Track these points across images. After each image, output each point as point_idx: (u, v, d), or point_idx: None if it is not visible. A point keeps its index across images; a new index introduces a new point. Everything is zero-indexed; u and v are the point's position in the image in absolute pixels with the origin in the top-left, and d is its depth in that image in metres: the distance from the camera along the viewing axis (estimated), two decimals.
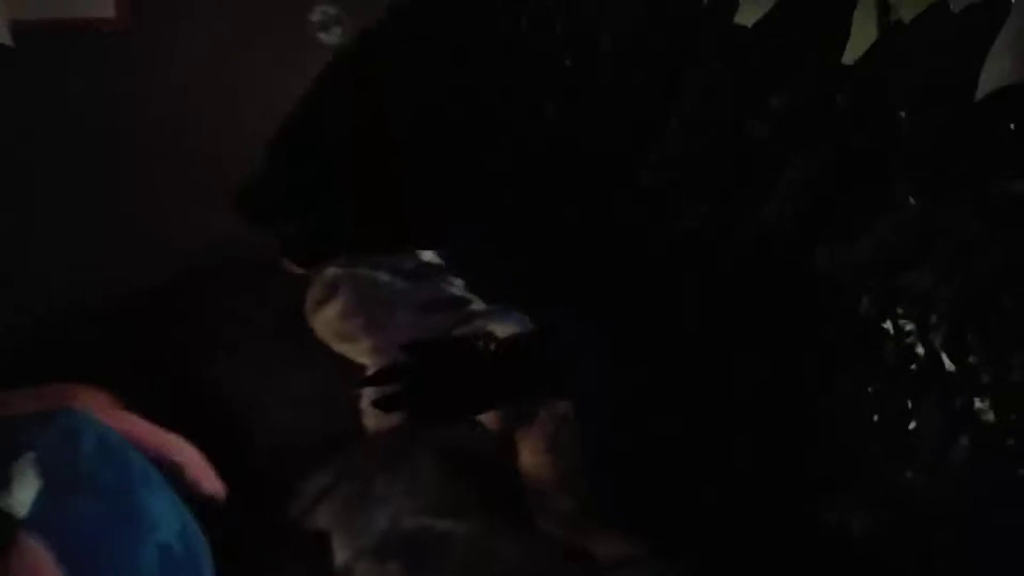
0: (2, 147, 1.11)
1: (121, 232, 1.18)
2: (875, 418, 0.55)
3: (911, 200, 0.56)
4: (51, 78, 1.11)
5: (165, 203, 1.17)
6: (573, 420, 0.76)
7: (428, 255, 1.09)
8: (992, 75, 0.54)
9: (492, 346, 0.87)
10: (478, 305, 1.00)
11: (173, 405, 0.91)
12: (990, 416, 0.53)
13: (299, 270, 1.07)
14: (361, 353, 0.95)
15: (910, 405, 0.55)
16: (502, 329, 0.92)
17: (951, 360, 0.54)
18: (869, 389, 0.55)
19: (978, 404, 0.54)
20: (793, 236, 0.57)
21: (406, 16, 0.66)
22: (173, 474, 0.80)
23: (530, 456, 0.83)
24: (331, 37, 1.17)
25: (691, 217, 0.57)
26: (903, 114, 0.57)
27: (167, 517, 0.73)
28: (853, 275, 0.56)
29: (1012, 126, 0.54)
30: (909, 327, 0.55)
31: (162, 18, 1.15)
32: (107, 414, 0.79)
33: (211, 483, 0.83)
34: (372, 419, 0.88)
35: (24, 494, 0.66)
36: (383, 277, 1.05)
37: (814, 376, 0.57)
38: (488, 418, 0.86)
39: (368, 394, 0.90)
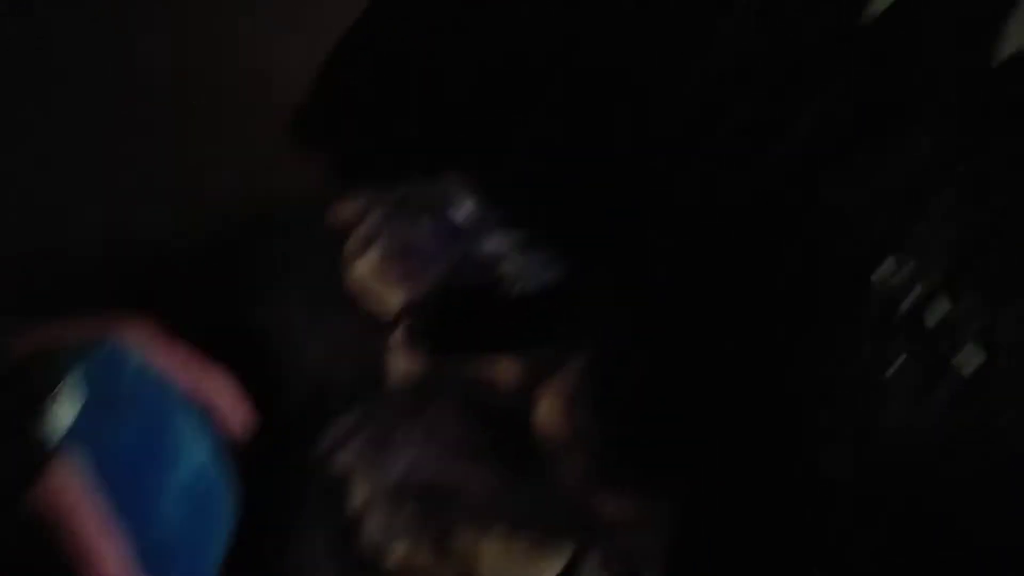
0: (66, 89, 1.14)
1: (178, 178, 1.21)
2: (854, 363, 0.57)
3: (926, 146, 0.57)
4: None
5: (216, 154, 1.20)
6: (589, 377, 0.78)
7: (466, 212, 1.12)
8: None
9: (518, 290, 0.90)
10: (511, 266, 1.03)
11: (215, 341, 0.95)
12: (968, 371, 0.55)
13: (342, 214, 1.10)
14: (393, 303, 0.98)
15: (888, 354, 0.56)
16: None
17: (935, 313, 0.56)
18: (851, 335, 0.57)
19: (957, 358, 0.55)
20: (801, 170, 0.58)
21: None
22: (207, 406, 0.84)
23: (547, 414, 0.86)
24: None
25: (717, 143, 0.59)
26: (931, 61, 0.58)
27: (198, 443, 0.78)
28: (854, 216, 0.57)
29: None
30: (898, 276, 0.57)
31: None
32: (149, 343, 0.84)
33: (242, 419, 0.87)
34: (399, 369, 0.92)
35: (65, 412, 0.71)
36: (421, 231, 1.08)
37: (800, 317, 0.58)
38: (508, 374, 0.89)
39: (396, 343, 0.94)
